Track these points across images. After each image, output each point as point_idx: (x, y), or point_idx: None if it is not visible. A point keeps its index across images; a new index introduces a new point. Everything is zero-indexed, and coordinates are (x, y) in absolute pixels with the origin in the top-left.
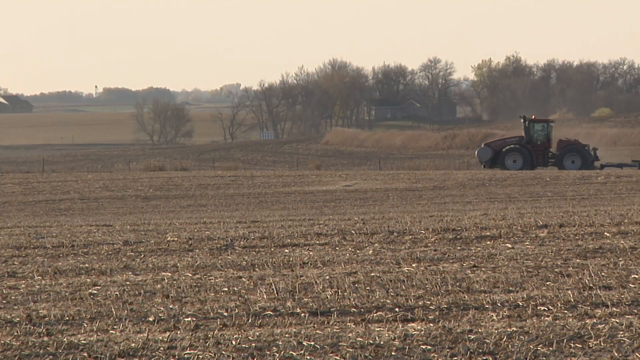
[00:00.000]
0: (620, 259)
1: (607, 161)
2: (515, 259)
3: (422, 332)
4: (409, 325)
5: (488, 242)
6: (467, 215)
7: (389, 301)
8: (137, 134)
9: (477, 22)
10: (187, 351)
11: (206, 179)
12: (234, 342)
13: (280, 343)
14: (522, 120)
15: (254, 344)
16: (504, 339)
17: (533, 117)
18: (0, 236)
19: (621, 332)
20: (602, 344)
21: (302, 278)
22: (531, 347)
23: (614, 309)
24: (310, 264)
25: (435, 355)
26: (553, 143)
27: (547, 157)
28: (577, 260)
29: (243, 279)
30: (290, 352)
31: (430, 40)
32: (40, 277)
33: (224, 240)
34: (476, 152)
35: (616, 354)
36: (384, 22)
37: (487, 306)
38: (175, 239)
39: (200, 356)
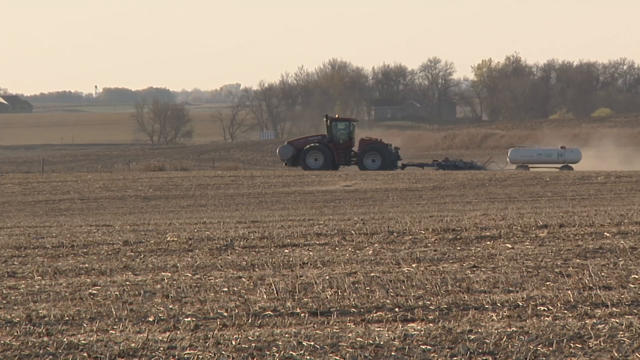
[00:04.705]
0: (620, 259)
1: (409, 161)
2: (515, 259)
3: (422, 332)
4: (409, 325)
5: (488, 242)
6: (467, 216)
7: (389, 301)
8: (137, 134)
9: (477, 22)
10: (187, 351)
11: (206, 179)
12: (234, 342)
13: (280, 343)
14: (324, 119)
15: (254, 344)
16: (504, 339)
17: (337, 116)
18: (0, 236)
19: (621, 332)
20: (602, 344)
21: (302, 278)
22: (531, 347)
23: (614, 309)
24: (310, 264)
25: (435, 355)
26: (356, 142)
27: (349, 156)
28: (577, 260)
29: (243, 279)
30: (290, 352)
31: (430, 40)
32: (40, 277)
33: (224, 240)
34: (277, 150)
35: (616, 354)
36: (384, 22)
37: (487, 306)
38: (175, 239)
39: (200, 356)
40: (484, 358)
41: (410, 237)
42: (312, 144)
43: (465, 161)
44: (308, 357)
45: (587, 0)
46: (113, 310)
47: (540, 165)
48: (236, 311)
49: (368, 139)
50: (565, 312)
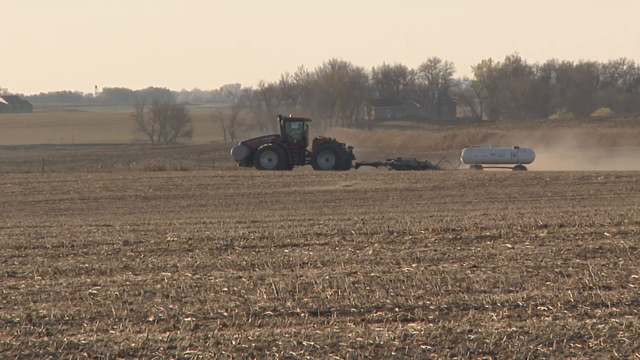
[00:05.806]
0: (620, 259)
1: (363, 160)
2: (515, 259)
3: (422, 332)
4: (409, 325)
5: (488, 242)
6: (467, 215)
7: (389, 301)
8: (137, 134)
9: (477, 22)
10: (187, 351)
11: (206, 179)
12: (234, 342)
13: (280, 343)
14: (278, 119)
15: (254, 344)
16: (504, 339)
17: (290, 115)
18: (0, 236)
19: (621, 332)
20: (602, 344)
21: (302, 278)
22: (531, 347)
23: (614, 309)
24: (310, 264)
25: (435, 355)
26: (310, 142)
27: (303, 155)
28: (577, 260)
29: (243, 279)
30: (290, 352)
31: (430, 40)
32: (40, 277)
33: (224, 240)
34: (231, 151)
35: (616, 354)
36: (384, 22)
37: (487, 306)
38: (175, 239)
39: (200, 356)
40: (484, 358)
41: (410, 237)
42: (266, 144)
43: (419, 161)
44: (308, 357)
45: (587, 0)
46: (113, 310)
47: (494, 165)
48: (236, 311)
49: (322, 138)
50: (565, 312)
